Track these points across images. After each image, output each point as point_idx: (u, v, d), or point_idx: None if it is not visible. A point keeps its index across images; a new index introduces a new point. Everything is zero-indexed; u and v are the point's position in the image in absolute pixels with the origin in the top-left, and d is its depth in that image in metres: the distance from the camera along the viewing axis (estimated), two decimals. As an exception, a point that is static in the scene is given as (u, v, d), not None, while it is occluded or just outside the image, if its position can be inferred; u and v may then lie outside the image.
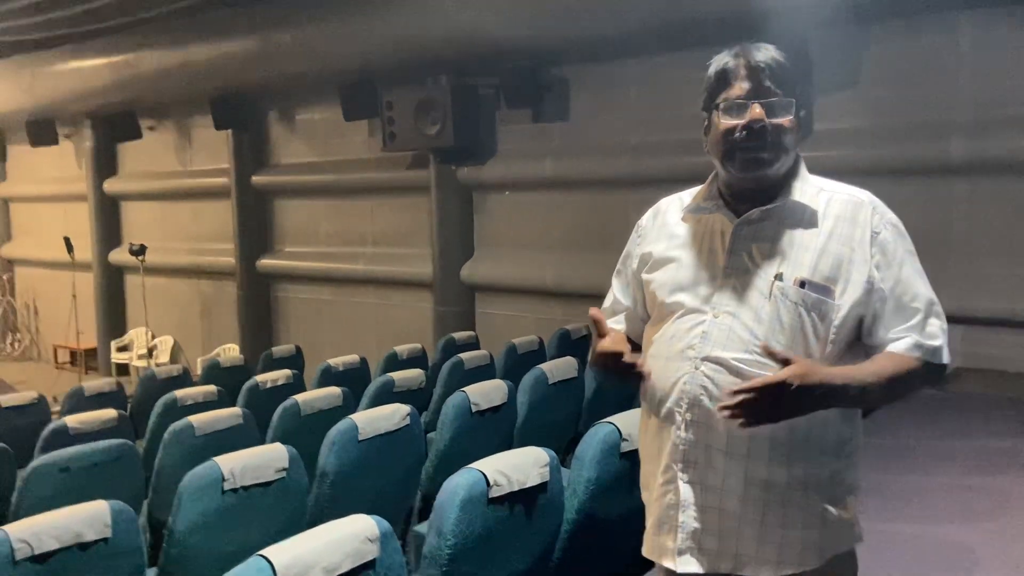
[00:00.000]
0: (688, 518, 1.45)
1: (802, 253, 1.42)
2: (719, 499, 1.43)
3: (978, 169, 4.63)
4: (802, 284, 1.40)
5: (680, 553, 1.45)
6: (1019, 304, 4.49)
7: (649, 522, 1.53)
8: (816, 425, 1.40)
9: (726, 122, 1.43)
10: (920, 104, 4.79)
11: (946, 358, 1.43)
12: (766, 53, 1.43)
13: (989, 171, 4.61)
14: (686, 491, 1.45)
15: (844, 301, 1.40)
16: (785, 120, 1.41)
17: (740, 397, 1.30)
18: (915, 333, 1.41)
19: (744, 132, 1.41)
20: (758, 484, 1.41)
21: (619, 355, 1.46)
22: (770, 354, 1.34)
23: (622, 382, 1.52)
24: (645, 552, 1.54)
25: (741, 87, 1.42)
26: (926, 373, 1.42)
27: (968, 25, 4.64)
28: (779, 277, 1.41)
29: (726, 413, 1.32)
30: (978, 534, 2.59)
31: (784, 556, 1.42)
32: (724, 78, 1.44)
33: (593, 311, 1.51)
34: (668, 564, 1.47)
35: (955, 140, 4.63)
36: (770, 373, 1.34)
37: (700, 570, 1.44)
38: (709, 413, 1.42)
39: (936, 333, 1.42)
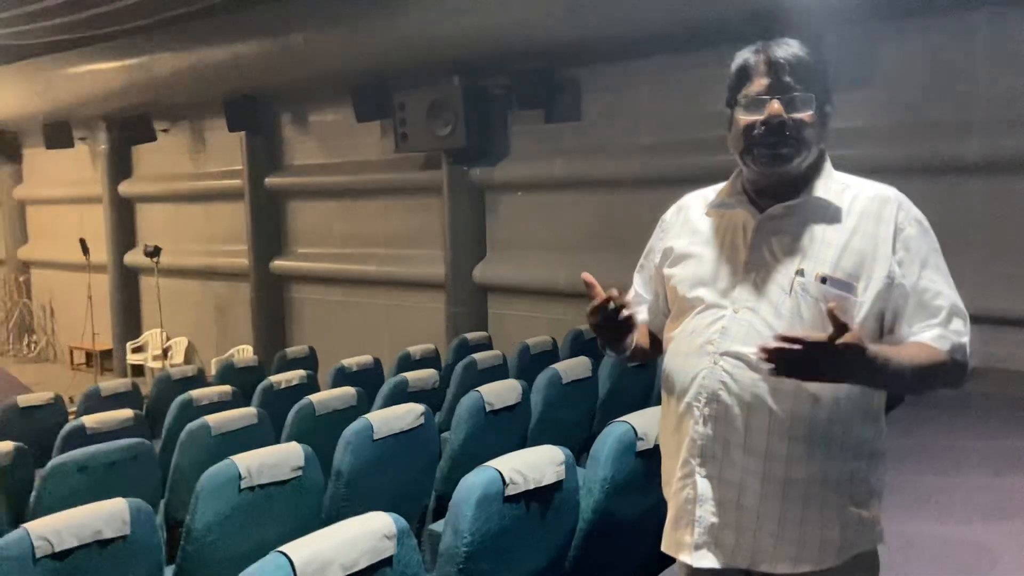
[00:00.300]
0: (705, 512, 1.44)
1: (824, 249, 1.41)
2: (737, 494, 1.42)
3: (994, 168, 4.60)
4: (823, 280, 1.39)
5: (697, 548, 1.45)
6: (1036, 303, 4.46)
7: (669, 517, 1.53)
8: (836, 424, 1.40)
9: (745, 118, 1.43)
10: (936, 103, 4.77)
11: (969, 358, 1.41)
12: (787, 49, 1.42)
13: (1005, 170, 4.58)
14: (703, 486, 1.44)
15: (866, 297, 1.39)
16: (805, 115, 1.40)
17: (783, 345, 1.24)
18: (940, 328, 1.39)
19: (763, 128, 1.40)
20: (776, 481, 1.40)
21: (605, 302, 1.45)
22: (787, 339, 1.27)
23: (615, 335, 1.51)
24: (664, 547, 1.54)
25: (761, 83, 1.42)
26: (950, 369, 1.39)
27: (984, 23, 4.61)
28: (800, 273, 1.40)
29: (762, 355, 1.27)
30: (997, 534, 2.57)
31: (802, 554, 1.41)
32: (745, 74, 1.44)
33: (585, 275, 1.49)
34: (685, 559, 1.47)
35: (971, 139, 4.61)
36: None
37: (717, 565, 1.44)
38: (727, 408, 1.41)
39: (961, 330, 1.40)
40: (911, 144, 4.77)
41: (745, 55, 1.46)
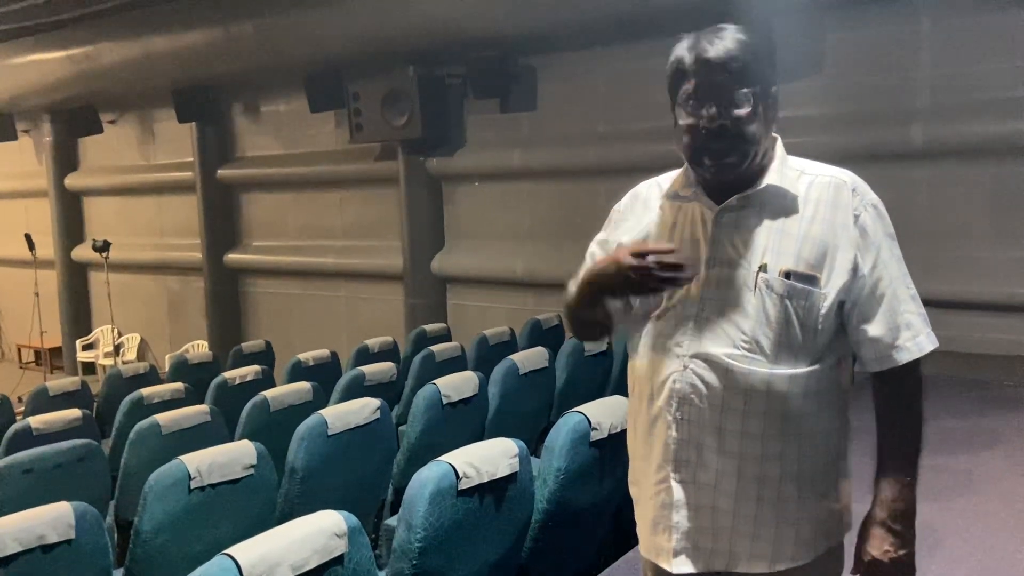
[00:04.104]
0: (681, 518, 1.42)
1: (785, 241, 1.37)
2: (712, 497, 1.40)
3: (938, 154, 4.70)
4: (787, 275, 1.35)
5: (675, 554, 1.42)
6: (978, 286, 4.58)
7: (645, 521, 1.50)
8: (807, 418, 1.38)
9: (686, 121, 1.38)
10: (881, 90, 4.85)
11: (927, 346, 1.40)
12: (719, 44, 1.36)
13: (949, 156, 4.69)
14: (678, 491, 1.41)
15: (830, 289, 1.36)
16: (743, 112, 1.35)
17: None
18: (888, 340, 1.38)
19: (704, 132, 1.36)
20: (751, 480, 1.38)
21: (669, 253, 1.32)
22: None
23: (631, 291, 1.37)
24: (643, 551, 1.52)
25: (694, 83, 1.37)
26: (909, 386, 1.42)
27: (928, 11, 4.70)
28: (763, 268, 1.37)
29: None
30: (941, 513, 2.64)
31: (778, 552, 1.40)
32: (680, 72, 1.39)
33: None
34: (664, 565, 1.45)
35: (915, 126, 4.70)
36: (759, 367, 1.34)
37: (694, 570, 1.42)
38: (700, 411, 1.39)
39: (911, 322, 1.39)
40: (856, 131, 4.85)
41: (679, 52, 1.40)
